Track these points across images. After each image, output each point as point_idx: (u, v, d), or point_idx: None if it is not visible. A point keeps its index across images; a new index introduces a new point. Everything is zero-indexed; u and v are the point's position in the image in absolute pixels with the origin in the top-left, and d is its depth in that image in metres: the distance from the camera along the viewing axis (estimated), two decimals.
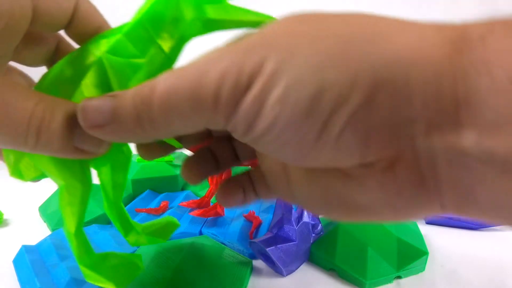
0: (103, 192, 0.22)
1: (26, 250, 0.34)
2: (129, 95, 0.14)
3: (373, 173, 0.13)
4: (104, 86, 0.17)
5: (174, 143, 0.21)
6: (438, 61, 0.11)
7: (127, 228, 0.24)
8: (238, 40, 0.13)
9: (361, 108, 0.12)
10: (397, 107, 0.12)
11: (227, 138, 0.22)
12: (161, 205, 0.42)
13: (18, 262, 0.33)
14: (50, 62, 0.21)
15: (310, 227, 0.35)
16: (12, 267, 0.33)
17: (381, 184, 0.13)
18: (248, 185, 0.21)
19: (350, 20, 0.12)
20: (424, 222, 0.41)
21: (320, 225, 0.36)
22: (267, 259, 0.34)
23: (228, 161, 0.22)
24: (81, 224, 0.20)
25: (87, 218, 0.41)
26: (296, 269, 0.34)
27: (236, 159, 0.22)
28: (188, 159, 0.22)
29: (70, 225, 0.19)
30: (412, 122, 0.12)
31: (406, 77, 0.11)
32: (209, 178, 0.40)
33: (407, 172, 0.13)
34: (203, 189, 0.48)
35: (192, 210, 0.39)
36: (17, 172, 0.20)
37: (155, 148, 0.21)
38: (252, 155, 0.22)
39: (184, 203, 0.40)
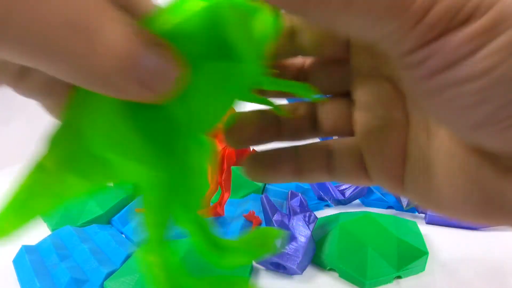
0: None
1: (26, 250, 0.34)
2: None
3: None
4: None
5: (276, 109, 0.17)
6: None
7: (219, 247, 0.17)
8: None
9: None
10: None
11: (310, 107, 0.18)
12: None
13: (18, 262, 0.33)
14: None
15: (304, 218, 0.35)
16: (12, 267, 0.33)
17: None
18: (319, 158, 0.17)
19: None
20: (424, 222, 0.41)
21: (309, 212, 0.35)
22: (278, 267, 0.33)
23: (301, 131, 0.18)
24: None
25: (87, 218, 0.41)
26: (309, 263, 0.34)
27: (313, 130, 0.18)
28: (244, 114, 0.18)
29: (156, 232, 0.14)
30: None
31: None
32: (209, 178, 0.40)
33: None
34: None
35: None
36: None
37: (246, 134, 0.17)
38: (339, 130, 0.17)
39: None
